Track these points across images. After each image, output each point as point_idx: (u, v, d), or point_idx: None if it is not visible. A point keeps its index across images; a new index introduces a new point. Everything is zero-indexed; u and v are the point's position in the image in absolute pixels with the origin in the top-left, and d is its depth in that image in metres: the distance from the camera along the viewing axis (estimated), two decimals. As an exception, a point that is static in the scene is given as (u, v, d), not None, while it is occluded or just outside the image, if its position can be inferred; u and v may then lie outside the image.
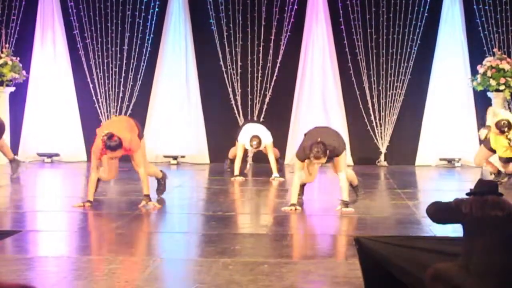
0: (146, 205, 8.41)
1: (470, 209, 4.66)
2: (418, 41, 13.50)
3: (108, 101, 13.66)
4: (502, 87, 12.78)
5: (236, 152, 11.42)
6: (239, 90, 13.63)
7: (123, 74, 13.64)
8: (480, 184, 4.87)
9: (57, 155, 13.68)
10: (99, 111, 13.65)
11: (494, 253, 4.56)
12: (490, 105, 12.88)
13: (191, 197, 9.98)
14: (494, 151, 10.62)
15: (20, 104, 13.59)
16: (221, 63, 13.64)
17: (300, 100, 13.69)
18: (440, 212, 4.85)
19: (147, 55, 13.68)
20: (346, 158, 8.76)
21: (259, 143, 11.17)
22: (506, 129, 10.22)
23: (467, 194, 4.85)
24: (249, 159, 11.89)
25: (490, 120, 10.59)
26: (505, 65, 12.73)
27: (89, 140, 13.39)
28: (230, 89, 13.65)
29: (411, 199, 9.29)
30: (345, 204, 8.37)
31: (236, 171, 11.22)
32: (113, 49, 13.65)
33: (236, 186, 10.73)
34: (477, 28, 13.43)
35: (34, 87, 13.77)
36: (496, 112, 10.59)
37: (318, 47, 13.71)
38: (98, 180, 8.62)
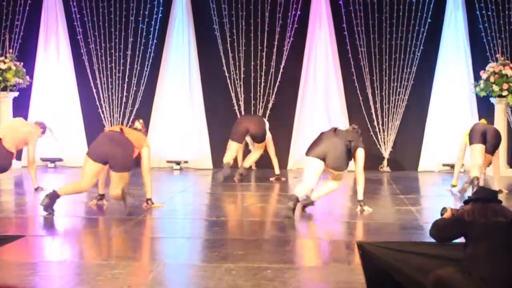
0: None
1: (474, 215, 4.67)
2: (421, 47, 13.50)
3: (111, 106, 13.68)
4: (505, 93, 12.78)
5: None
6: (242, 96, 13.64)
7: (126, 79, 13.67)
8: (480, 192, 4.89)
9: (60, 160, 13.71)
10: (102, 116, 13.67)
11: (498, 259, 4.57)
12: (493, 110, 12.90)
13: (194, 202, 9.97)
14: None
15: (24, 109, 13.60)
16: (224, 68, 13.65)
17: (303, 105, 13.69)
18: (443, 229, 4.82)
19: (151, 60, 13.70)
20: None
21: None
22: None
23: (465, 202, 4.85)
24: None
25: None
26: (508, 71, 12.73)
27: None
28: (233, 94, 13.66)
29: (414, 205, 9.29)
30: (360, 203, 8.64)
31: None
32: (117, 54, 13.68)
33: (239, 191, 10.74)
34: (480, 33, 13.43)
35: (38, 92, 13.81)
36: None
37: (321, 52, 13.73)
38: None
